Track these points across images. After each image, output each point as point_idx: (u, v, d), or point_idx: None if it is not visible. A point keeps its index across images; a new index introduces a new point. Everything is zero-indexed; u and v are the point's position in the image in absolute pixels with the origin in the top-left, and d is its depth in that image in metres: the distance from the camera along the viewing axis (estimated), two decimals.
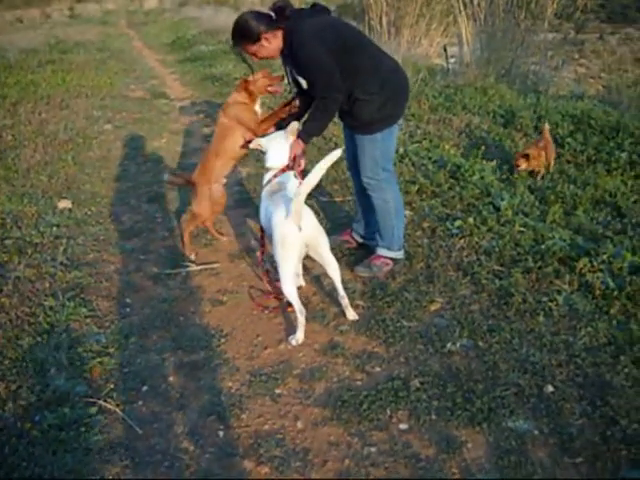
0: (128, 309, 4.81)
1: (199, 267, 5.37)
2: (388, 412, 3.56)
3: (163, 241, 5.98)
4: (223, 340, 4.37)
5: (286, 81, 4.98)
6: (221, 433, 3.53)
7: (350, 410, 3.59)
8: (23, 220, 6.27)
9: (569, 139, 7.62)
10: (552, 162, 6.87)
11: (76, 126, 9.76)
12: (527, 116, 8.47)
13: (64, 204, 6.77)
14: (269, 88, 5.13)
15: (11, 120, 10.13)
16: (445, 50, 13.04)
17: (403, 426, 3.47)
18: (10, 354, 4.20)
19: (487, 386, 3.69)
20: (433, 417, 3.51)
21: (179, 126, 10.12)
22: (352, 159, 5.07)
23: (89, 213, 6.62)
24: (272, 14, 4.49)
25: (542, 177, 6.70)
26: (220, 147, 5.26)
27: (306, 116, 4.77)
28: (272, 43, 4.51)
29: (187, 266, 5.39)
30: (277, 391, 3.82)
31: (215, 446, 3.44)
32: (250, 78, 5.11)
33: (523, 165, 6.59)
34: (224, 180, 5.45)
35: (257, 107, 5.20)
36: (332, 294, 4.76)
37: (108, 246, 5.86)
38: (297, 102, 4.96)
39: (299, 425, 3.54)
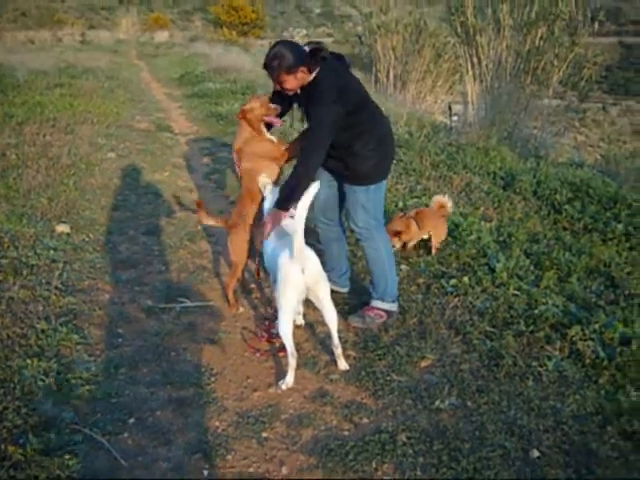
0: (120, 339, 4.81)
1: (194, 304, 5.38)
2: (374, 464, 3.56)
3: (159, 274, 5.99)
4: (213, 379, 4.38)
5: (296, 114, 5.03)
6: (205, 472, 3.53)
7: (336, 459, 3.59)
8: (20, 240, 6.26)
9: (567, 206, 7.69)
10: (439, 231, 6.46)
11: (80, 151, 9.79)
12: (527, 180, 8.54)
13: (62, 228, 6.77)
14: (265, 118, 5.03)
15: (16, 139, 10.16)
16: (450, 108, 13.22)
17: (388, 479, 3.47)
18: None
19: (474, 446, 3.70)
20: (418, 473, 3.51)
21: (182, 161, 10.18)
22: (323, 205, 5.15)
23: (87, 240, 6.62)
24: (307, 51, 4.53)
25: (414, 247, 6.54)
26: (253, 190, 5.14)
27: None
28: (301, 79, 4.54)
29: (182, 302, 5.40)
30: (264, 434, 3.83)
31: None
32: (247, 106, 5.03)
33: (397, 244, 6.29)
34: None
35: (268, 135, 5.11)
36: (324, 342, 4.79)
37: (104, 275, 5.86)
38: None
39: (284, 470, 3.54)
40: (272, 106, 5.01)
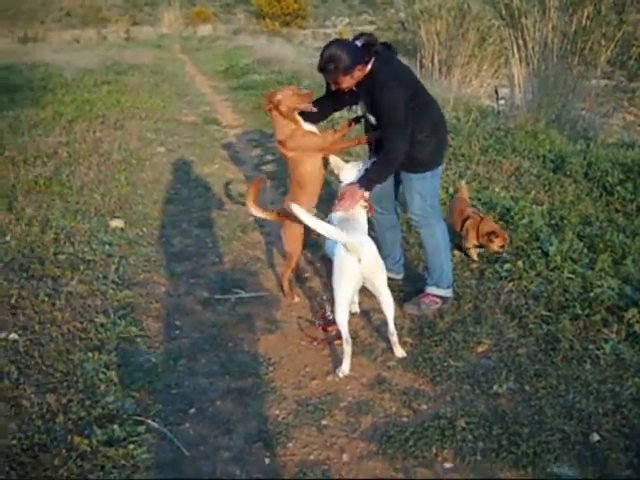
0: (177, 331, 4.87)
1: (249, 295, 5.42)
2: (434, 450, 3.56)
3: (213, 266, 6.05)
4: (271, 368, 4.41)
5: (359, 112, 5.02)
6: (267, 460, 3.56)
7: (396, 446, 3.60)
8: (76, 237, 6.38)
9: (619, 188, 7.56)
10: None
11: (130, 147, 9.92)
12: (577, 162, 8.41)
13: (116, 223, 6.88)
14: (298, 106, 4.93)
15: (67, 137, 10.33)
16: (496, 92, 13.08)
17: (448, 465, 3.47)
18: (61, 367, 4.27)
19: (532, 430, 3.68)
20: (478, 458, 3.50)
21: (231, 153, 10.24)
22: (378, 194, 5.05)
23: (140, 234, 6.71)
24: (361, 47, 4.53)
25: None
26: (301, 179, 5.12)
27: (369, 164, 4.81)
28: (357, 77, 4.55)
29: (237, 293, 5.44)
30: (323, 422, 3.85)
31: (261, 472, 3.47)
32: (279, 97, 4.91)
33: (497, 245, 5.76)
34: (314, 211, 5.22)
35: (305, 125, 5.04)
36: (380, 329, 4.79)
37: (159, 268, 5.93)
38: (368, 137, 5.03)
39: (344, 457, 3.55)
40: (304, 92, 5.01)
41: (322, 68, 4.53)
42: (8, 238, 6.25)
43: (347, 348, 4.29)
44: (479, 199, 7.08)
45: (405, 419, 3.85)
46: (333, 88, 4.71)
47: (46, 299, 5.11)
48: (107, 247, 6.22)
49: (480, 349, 4.52)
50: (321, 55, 4.52)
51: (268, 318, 5.06)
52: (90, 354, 4.41)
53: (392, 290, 4.80)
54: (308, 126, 5.04)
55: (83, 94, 14.14)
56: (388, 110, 4.53)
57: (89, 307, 5.06)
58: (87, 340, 4.61)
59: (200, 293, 5.47)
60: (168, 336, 4.79)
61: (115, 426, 3.72)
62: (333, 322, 4.51)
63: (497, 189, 7.56)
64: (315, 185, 5.17)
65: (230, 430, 3.81)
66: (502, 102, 13.28)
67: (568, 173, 8.27)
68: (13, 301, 5.06)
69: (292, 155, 5.05)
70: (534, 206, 6.89)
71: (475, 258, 5.88)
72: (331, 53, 4.45)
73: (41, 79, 16.56)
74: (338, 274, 4.27)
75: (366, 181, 4.64)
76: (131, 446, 3.59)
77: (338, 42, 4.61)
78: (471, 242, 5.81)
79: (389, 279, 4.90)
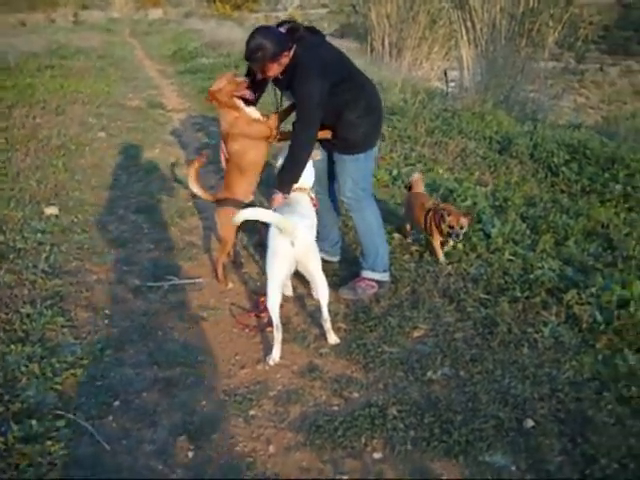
0: (107, 321, 4.71)
1: (182, 281, 5.28)
2: (363, 440, 3.47)
3: (148, 253, 5.89)
4: (200, 357, 4.28)
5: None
6: (191, 454, 3.44)
7: (324, 436, 3.50)
8: (8, 224, 6.18)
9: (564, 168, 7.58)
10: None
11: (70, 132, 9.68)
12: (523, 143, 8.41)
13: (51, 210, 6.67)
14: (236, 93, 4.81)
15: (5, 123, 10.04)
16: (445, 74, 13.04)
17: (377, 455, 3.38)
18: None
19: (466, 417, 3.61)
20: (409, 447, 3.42)
21: (173, 138, 10.05)
22: (318, 175, 5.01)
23: (75, 221, 6.52)
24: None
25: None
26: (243, 165, 5.00)
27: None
28: (284, 63, 4.44)
29: (170, 280, 5.30)
30: (251, 412, 3.73)
31: (183, 467, 3.35)
32: (214, 88, 4.82)
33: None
34: (252, 197, 5.21)
35: (249, 112, 4.94)
36: (314, 315, 4.70)
37: (92, 255, 5.76)
38: None
39: (271, 449, 3.44)
40: (240, 79, 4.84)
41: (249, 57, 4.43)
42: None
43: (277, 335, 4.18)
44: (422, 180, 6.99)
45: (335, 408, 3.75)
46: (260, 76, 4.60)
47: None
48: (39, 235, 6.02)
49: (416, 334, 4.44)
50: (247, 44, 4.39)
51: (201, 305, 4.93)
52: (13, 346, 4.23)
53: (328, 274, 4.72)
54: (251, 111, 4.91)
55: (25, 79, 13.77)
56: (301, 102, 4.48)
57: (16, 297, 4.87)
58: (11, 332, 4.43)
59: (132, 281, 5.31)
60: (96, 326, 4.63)
61: (33, 421, 3.56)
62: (266, 309, 4.39)
63: (442, 171, 7.51)
64: (256, 171, 5.10)
65: (155, 422, 3.68)
66: (452, 84, 13.25)
67: (514, 154, 8.27)
68: None
69: (236, 147, 4.92)
70: (478, 187, 6.86)
71: (441, 258, 5.45)
72: (258, 42, 4.34)
73: None
74: (271, 256, 4.16)
75: (279, 184, 4.59)
76: (48, 442, 3.44)
77: (263, 30, 4.49)
78: (437, 239, 5.46)
79: (326, 262, 4.92)
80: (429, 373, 4.00)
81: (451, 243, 5.54)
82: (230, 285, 5.24)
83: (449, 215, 5.22)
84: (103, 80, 14.75)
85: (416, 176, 6.15)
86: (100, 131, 10.07)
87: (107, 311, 4.84)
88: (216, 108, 4.98)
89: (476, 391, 3.83)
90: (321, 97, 4.39)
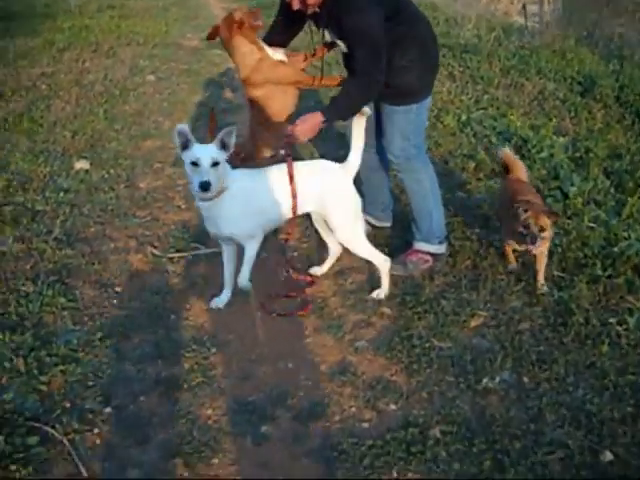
0: (115, 301, 4.09)
1: (209, 251, 4.59)
2: (395, 473, 2.75)
3: (176, 214, 5.24)
4: (214, 350, 3.63)
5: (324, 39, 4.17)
6: None
7: (347, 466, 2.80)
8: (32, 182, 5.64)
9: None
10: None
11: (116, 76, 9.07)
12: (608, 85, 7.49)
13: (81, 165, 6.10)
14: (254, 24, 4.12)
15: (53, 68, 9.52)
16: (524, 8, 11.92)
17: None
18: None
19: (526, 446, 2.85)
20: None
21: (226, 80, 9.30)
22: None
23: (106, 176, 5.92)
24: None
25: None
26: (269, 120, 4.32)
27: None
28: None
29: (195, 249, 4.63)
30: (263, 429, 3.05)
31: None
32: (236, 17, 4.08)
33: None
34: (281, 152, 4.54)
35: (272, 52, 4.20)
36: (356, 294, 3.97)
37: (114, 218, 5.13)
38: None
39: None
40: (253, 9, 4.20)
41: None
42: None
43: (385, 267, 4.00)
44: (494, 128, 6.15)
45: (365, 425, 3.04)
46: (296, 7, 3.82)
47: None
48: (62, 194, 5.45)
49: (474, 323, 3.68)
50: None
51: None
52: (1, 335, 3.63)
53: (378, 243, 4.23)
54: (275, 53, 4.16)
55: (84, 20, 13.20)
56: (360, 36, 3.74)
57: (19, 272, 4.29)
58: (4, 316, 3.85)
59: (152, 250, 4.66)
60: (102, 307, 4.02)
61: (0, 437, 2.94)
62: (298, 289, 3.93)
63: (515, 116, 6.59)
64: (284, 125, 4.30)
65: (147, 438, 3.05)
66: (531, 20, 12.17)
67: (598, 97, 7.34)
68: None
69: (259, 94, 4.19)
70: (555, 137, 5.93)
71: (513, 264, 4.19)
72: None
73: (45, 5, 15.58)
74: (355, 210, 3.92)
75: (332, 109, 3.86)
76: (13, 467, 2.83)
77: None
78: (511, 243, 4.09)
79: (376, 228, 4.51)
80: (485, 380, 3.24)
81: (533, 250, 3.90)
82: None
83: (526, 211, 3.82)
84: (162, 20, 14.02)
85: (507, 152, 4.54)
86: (150, 74, 9.42)
87: (117, 289, 4.22)
88: (231, 53, 4.22)
89: (541, 407, 3.06)
90: (381, 27, 3.70)
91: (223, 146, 3.58)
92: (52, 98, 8.06)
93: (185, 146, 3.55)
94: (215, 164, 3.52)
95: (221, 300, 4.00)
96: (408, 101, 4.00)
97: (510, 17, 13.98)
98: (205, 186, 3.46)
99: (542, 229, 3.79)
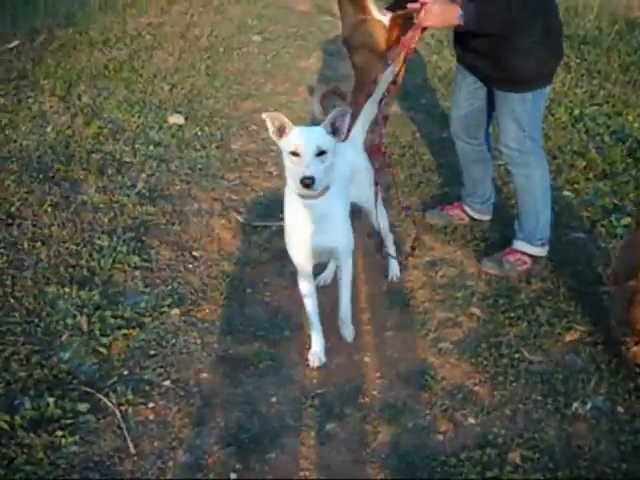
0: (190, 265, 3.89)
1: None
2: None
3: (267, 180, 5.00)
4: (288, 333, 3.39)
5: None
6: (233, 475, 2.55)
7: None
8: (123, 133, 5.49)
9: None
10: None
11: (222, 33, 8.84)
12: None
13: (175, 119, 5.91)
14: None
15: (160, 19, 9.34)
16: None
17: None
18: (28, 304, 3.39)
19: None
20: None
21: (334, 47, 8.99)
22: (464, 119, 3.99)
23: (199, 134, 5.71)
24: None
25: None
26: (367, 84, 4.05)
27: None
28: None
29: (283, 220, 4.37)
30: (328, 427, 2.80)
31: None
32: None
33: None
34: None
35: (378, 13, 3.87)
36: (446, 289, 3.67)
37: (202, 178, 4.91)
38: None
39: None
40: None
41: None
42: (48, 130, 5.38)
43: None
44: (608, 127, 5.69)
45: (440, 438, 2.74)
46: None
47: (49, 210, 4.23)
48: (152, 148, 5.28)
49: (569, 338, 3.31)
50: None
51: None
52: (68, 289, 3.48)
53: (474, 237, 4.04)
54: (381, 16, 3.85)
55: None
56: None
57: (96, 224, 4.13)
58: (75, 269, 3.69)
59: (237, 216, 4.43)
60: (176, 271, 3.81)
61: (51, 399, 2.77)
62: None
63: (632, 116, 6.10)
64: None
65: (203, 420, 2.84)
66: None
67: None
68: (13, 209, 4.20)
69: (359, 60, 3.90)
70: None
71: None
72: None
73: None
74: None
75: (471, 9, 3.25)
76: (59, 432, 2.64)
77: None
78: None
79: (474, 220, 4.19)
80: (575, 404, 2.88)
81: None
82: None
83: None
84: None
85: None
86: (256, 34, 9.15)
87: (195, 253, 4.01)
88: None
89: (636, 444, 2.69)
90: None
91: (334, 131, 2.82)
92: (155, 49, 7.88)
93: (282, 132, 2.80)
94: (321, 153, 2.73)
95: (318, 352, 3.24)
96: (525, 88, 3.60)
97: (632, 11, 13.24)
98: (308, 181, 2.66)
99: None
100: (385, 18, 3.89)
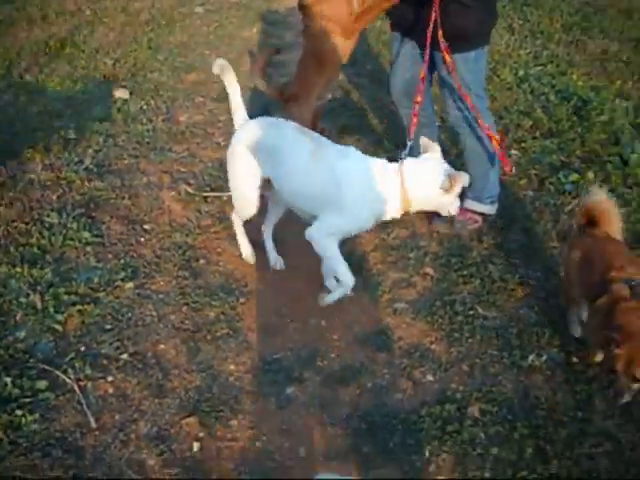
0: (142, 239, 3.86)
1: None
2: (427, 453, 2.51)
3: (215, 151, 4.95)
4: (242, 300, 3.40)
5: None
6: (196, 445, 2.58)
7: (377, 441, 2.56)
8: (68, 109, 5.41)
9: None
10: None
11: (164, 5, 8.70)
12: None
13: (120, 94, 5.83)
14: None
15: None
16: None
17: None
18: None
19: (572, 435, 2.59)
20: (486, 474, 2.45)
21: (278, 16, 8.93)
22: (405, 85, 3.94)
23: (144, 107, 5.64)
24: None
25: None
26: (320, 59, 4.02)
27: None
28: None
29: None
30: (288, 391, 2.84)
31: (181, 466, 2.49)
32: None
33: None
34: (329, 96, 4.30)
35: None
36: (398, 250, 3.70)
37: (149, 152, 4.86)
38: None
39: (301, 453, 2.53)
40: None
41: None
42: None
43: None
44: (553, 86, 5.77)
45: (399, 396, 2.80)
46: None
47: None
48: (98, 123, 5.19)
49: (522, 292, 3.39)
50: None
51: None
52: (19, 268, 3.45)
53: None
54: None
55: None
56: None
57: (45, 202, 4.08)
58: (26, 247, 3.64)
59: (187, 187, 4.39)
60: (128, 245, 3.79)
61: (8, 379, 2.76)
62: None
63: (576, 76, 6.19)
64: (337, 69, 4.15)
65: (163, 391, 2.86)
66: None
67: None
68: None
69: (317, 26, 3.87)
70: (618, 100, 5.55)
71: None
72: None
73: None
74: None
75: None
76: (19, 411, 2.63)
77: None
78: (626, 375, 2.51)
79: None
80: (531, 357, 2.97)
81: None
82: None
83: (617, 344, 2.48)
84: None
85: (599, 195, 3.08)
86: (198, 6, 9.01)
87: (147, 226, 3.99)
88: None
89: (591, 392, 2.79)
90: None
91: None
92: (96, 24, 7.74)
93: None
94: None
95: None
96: (466, 47, 3.62)
97: None
98: None
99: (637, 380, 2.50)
100: None
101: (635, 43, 7.34)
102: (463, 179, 3.12)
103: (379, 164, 3.19)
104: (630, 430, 2.60)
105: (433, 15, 3.47)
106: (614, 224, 3.00)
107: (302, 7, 3.97)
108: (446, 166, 3.18)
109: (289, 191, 3.31)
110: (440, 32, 3.49)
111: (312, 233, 3.18)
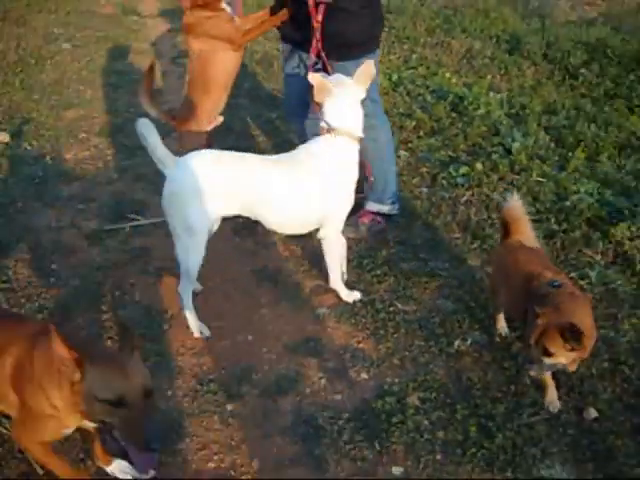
0: (52, 279, 3.80)
1: (148, 221, 4.33)
2: (377, 446, 2.59)
3: (109, 184, 4.92)
4: (166, 326, 3.39)
5: None
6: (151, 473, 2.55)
7: (326, 443, 2.63)
8: None
9: (583, 70, 6.83)
10: None
11: (30, 45, 8.55)
12: (535, 42, 7.61)
13: (1, 138, 5.68)
14: None
15: None
16: None
17: (397, 470, 2.53)
18: None
19: (509, 409, 2.75)
20: (438, 457, 2.55)
21: (147, 46, 8.92)
22: (298, 97, 4.01)
23: (28, 149, 5.54)
24: None
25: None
26: (208, 80, 4.02)
27: None
28: None
29: (133, 219, 4.36)
30: (229, 407, 2.86)
31: None
32: None
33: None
34: (220, 118, 4.25)
35: (223, 4, 3.92)
36: (308, 259, 3.81)
37: (42, 193, 4.78)
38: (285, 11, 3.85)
39: (255, 465, 2.57)
40: None
41: None
42: None
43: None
44: (427, 87, 6.02)
45: (339, 397, 2.88)
46: None
47: None
48: None
49: (435, 284, 3.56)
50: None
51: (170, 253, 3.91)
52: None
53: None
54: (226, 6, 3.88)
55: None
56: None
57: None
58: None
59: (87, 223, 4.36)
60: (39, 288, 3.72)
61: None
62: None
63: (447, 74, 6.47)
64: (225, 88, 4.12)
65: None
66: None
67: (525, 54, 7.46)
68: None
69: (199, 47, 3.91)
70: (491, 94, 5.84)
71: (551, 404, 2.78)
72: None
73: None
74: None
75: None
76: None
77: None
78: (539, 354, 2.60)
79: None
80: (457, 342, 3.13)
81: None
82: None
83: (538, 316, 2.56)
84: None
85: (514, 202, 3.09)
86: (65, 42, 8.92)
87: (54, 266, 3.93)
88: None
89: (518, 367, 2.95)
90: None
91: None
92: None
93: None
94: None
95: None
96: (358, 53, 3.71)
97: None
98: None
99: (548, 353, 2.55)
100: (228, 8, 3.92)
101: (496, 40, 7.77)
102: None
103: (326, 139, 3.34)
104: (560, 396, 2.76)
105: (315, 25, 3.59)
106: (525, 231, 3.04)
107: (187, 27, 4.00)
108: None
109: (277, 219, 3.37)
110: (320, 43, 3.61)
111: (330, 234, 3.38)
